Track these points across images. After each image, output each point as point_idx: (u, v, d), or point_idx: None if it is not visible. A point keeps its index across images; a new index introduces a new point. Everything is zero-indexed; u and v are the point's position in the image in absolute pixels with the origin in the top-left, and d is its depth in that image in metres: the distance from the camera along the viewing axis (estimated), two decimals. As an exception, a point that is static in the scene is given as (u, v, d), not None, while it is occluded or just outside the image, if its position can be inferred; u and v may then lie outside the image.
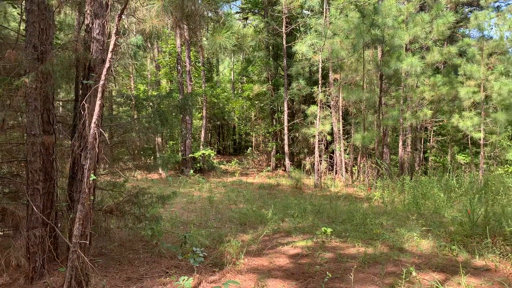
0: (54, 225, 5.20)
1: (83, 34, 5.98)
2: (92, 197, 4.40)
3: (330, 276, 5.04)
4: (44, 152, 5.02)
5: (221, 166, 22.51)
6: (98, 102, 4.18)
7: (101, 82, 4.20)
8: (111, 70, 4.42)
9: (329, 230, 7.08)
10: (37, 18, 4.89)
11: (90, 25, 5.04)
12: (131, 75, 21.07)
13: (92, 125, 4.16)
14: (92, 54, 4.86)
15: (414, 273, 5.08)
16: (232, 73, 34.53)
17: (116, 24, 4.17)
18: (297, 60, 20.67)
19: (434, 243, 6.66)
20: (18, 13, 6.57)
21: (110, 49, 4.18)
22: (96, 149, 4.23)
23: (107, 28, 4.88)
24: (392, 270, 5.45)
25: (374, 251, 6.30)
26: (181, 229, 7.84)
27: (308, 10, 20.06)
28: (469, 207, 7.77)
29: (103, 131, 4.31)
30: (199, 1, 4.03)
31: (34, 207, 4.72)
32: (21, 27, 5.83)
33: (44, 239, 4.88)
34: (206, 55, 24.43)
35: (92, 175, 4.23)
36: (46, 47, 5.04)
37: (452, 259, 5.94)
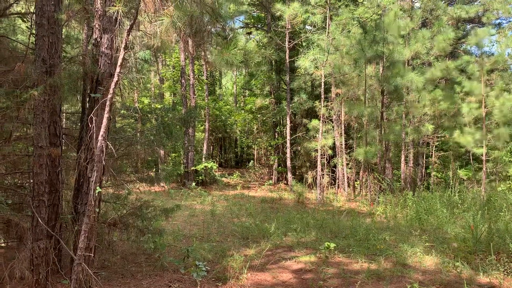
0: (59, 237, 5.20)
1: (90, 48, 6.07)
2: (97, 210, 4.42)
3: (334, 291, 5.02)
4: (50, 164, 5.05)
5: (223, 179, 22.48)
6: (105, 115, 4.23)
7: (109, 96, 4.26)
8: (119, 84, 4.48)
9: (332, 245, 7.05)
10: (46, 32, 4.97)
11: (99, 40, 5.12)
12: (136, 88, 21.23)
13: (100, 138, 4.20)
14: (100, 68, 4.93)
15: (418, 290, 5.05)
16: (234, 86, 34.75)
17: (125, 39, 4.25)
18: (299, 74, 20.82)
19: (438, 259, 6.63)
20: (27, 27, 6.66)
21: (119, 63, 4.25)
22: (103, 161, 4.27)
23: (115, 42, 4.96)
24: (396, 286, 5.42)
25: (377, 267, 6.28)
26: (184, 243, 7.82)
27: (311, 26, 20.29)
28: (472, 223, 7.75)
29: (110, 144, 4.35)
30: (207, 18, 4.11)
31: (39, 218, 4.74)
32: (30, 40, 5.91)
33: (48, 251, 4.87)
34: (209, 69, 24.63)
35: (97, 187, 4.26)
36: (54, 60, 5.12)
37: (456, 275, 5.91)
